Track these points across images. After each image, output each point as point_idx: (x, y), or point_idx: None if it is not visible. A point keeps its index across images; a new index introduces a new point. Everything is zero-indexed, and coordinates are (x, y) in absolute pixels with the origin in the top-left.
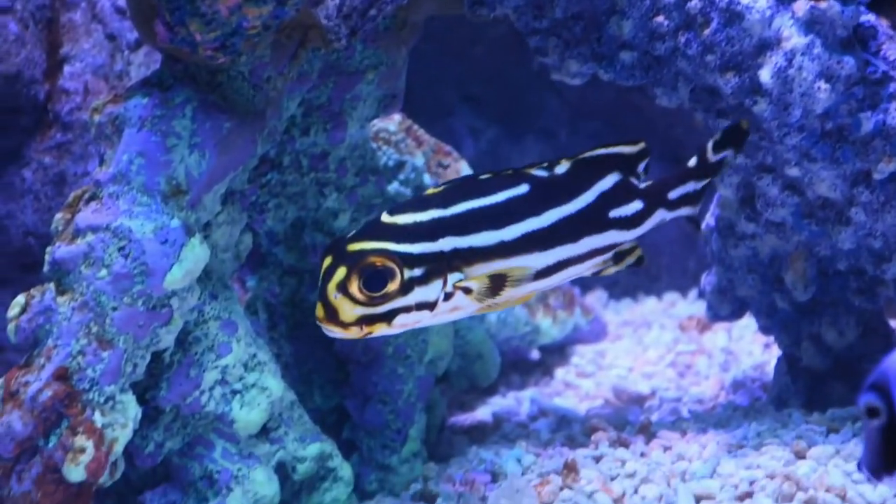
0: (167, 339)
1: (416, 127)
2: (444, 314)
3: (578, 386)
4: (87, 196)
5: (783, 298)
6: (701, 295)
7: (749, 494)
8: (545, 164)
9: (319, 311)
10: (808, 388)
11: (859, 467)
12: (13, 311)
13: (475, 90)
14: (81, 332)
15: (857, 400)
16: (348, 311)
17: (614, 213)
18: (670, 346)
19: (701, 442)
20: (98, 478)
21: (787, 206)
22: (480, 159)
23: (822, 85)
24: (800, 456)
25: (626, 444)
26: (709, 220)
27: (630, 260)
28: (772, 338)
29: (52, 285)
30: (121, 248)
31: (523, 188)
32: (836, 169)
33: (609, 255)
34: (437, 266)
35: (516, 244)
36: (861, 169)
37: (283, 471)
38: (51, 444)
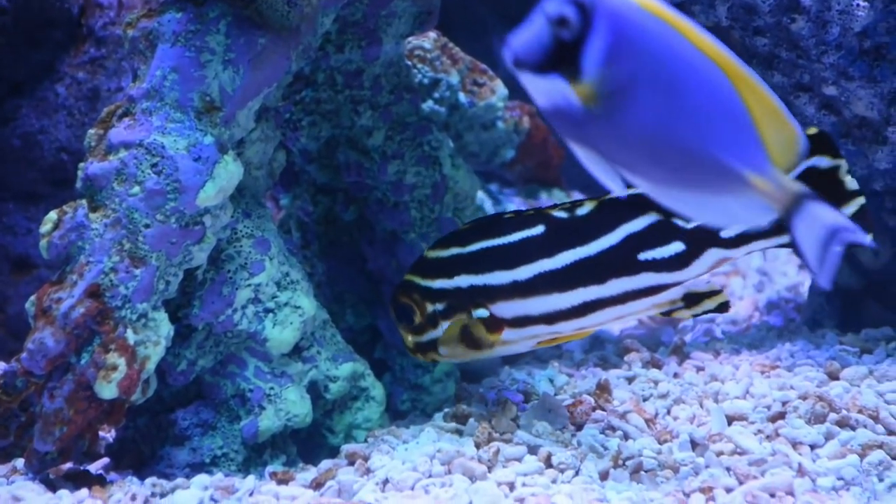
0: (200, 256)
1: (451, 45)
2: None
3: None
4: (120, 112)
5: None
6: None
7: (781, 415)
8: (567, 205)
9: None
10: (842, 308)
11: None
12: (45, 227)
13: (511, 8)
14: (114, 248)
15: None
16: (406, 337)
17: (646, 255)
18: None
19: (734, 363)
20: (130, 395)
21: (823, 125)
22: (516, 78)
23: (861, 2)
24: (833, 377)
25: (658, 365)
26: None
27: (708, 305)
28: None
29: (84, 202)
30: (153, 165)
31: (539, 229)
32: (873, 88)
33: (669, 296)
34: (458, 302)
35: (530, 284)
36: None
37: (315, 390)
38: (83, 362)
